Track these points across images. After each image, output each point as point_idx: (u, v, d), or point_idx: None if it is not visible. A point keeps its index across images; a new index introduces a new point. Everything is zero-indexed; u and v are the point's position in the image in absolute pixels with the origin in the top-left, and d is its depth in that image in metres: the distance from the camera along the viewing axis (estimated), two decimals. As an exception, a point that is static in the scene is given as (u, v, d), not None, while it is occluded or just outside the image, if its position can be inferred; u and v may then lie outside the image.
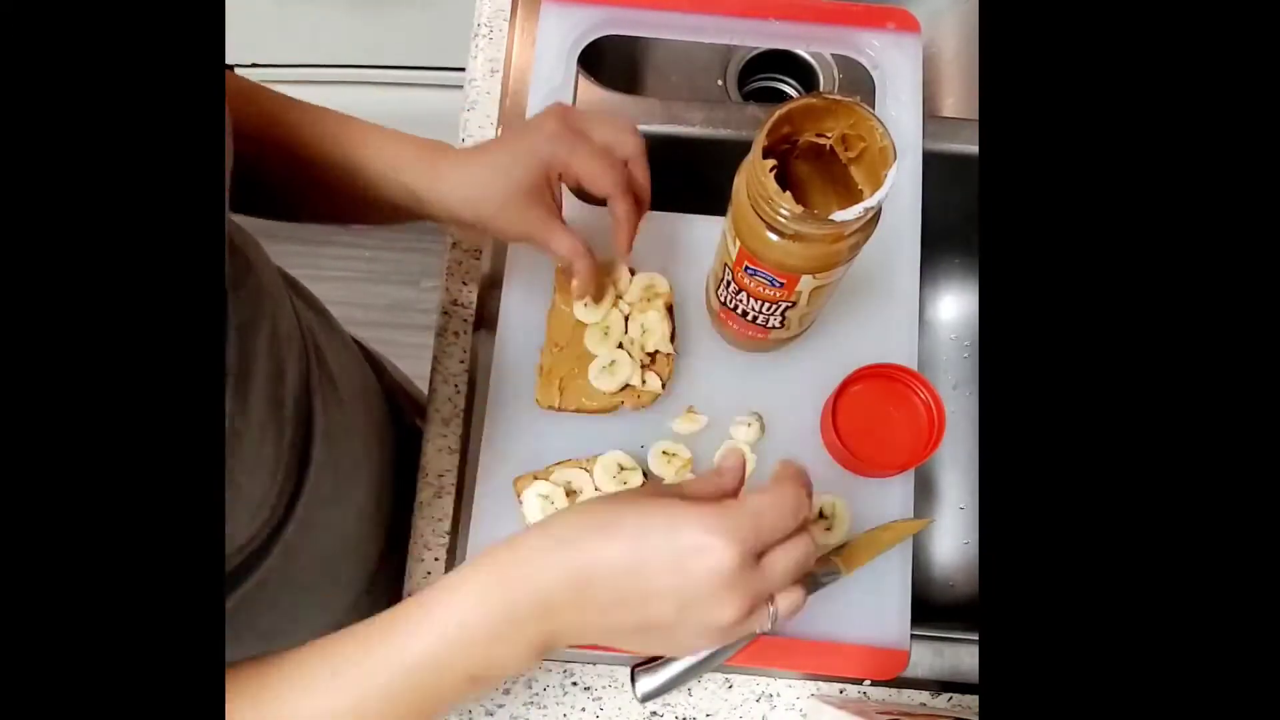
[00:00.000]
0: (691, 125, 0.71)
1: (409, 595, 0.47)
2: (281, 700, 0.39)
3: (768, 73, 0.90)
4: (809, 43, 0.73)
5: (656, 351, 0.62)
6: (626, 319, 0.62)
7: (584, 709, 0.59)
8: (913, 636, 0.60)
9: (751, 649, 0.58)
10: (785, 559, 0.40)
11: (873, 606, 0.60)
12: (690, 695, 0.60)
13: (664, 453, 0.61)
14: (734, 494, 0.43)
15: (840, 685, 0.60)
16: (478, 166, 0.53)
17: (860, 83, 0.75)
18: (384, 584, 0.64)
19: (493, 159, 0.53)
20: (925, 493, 0.81)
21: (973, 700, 0.60)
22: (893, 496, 0.62)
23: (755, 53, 0.89)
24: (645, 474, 0.60)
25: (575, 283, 0.57)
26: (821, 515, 0.61)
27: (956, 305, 0.85)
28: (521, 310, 0.64)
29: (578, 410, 0.61)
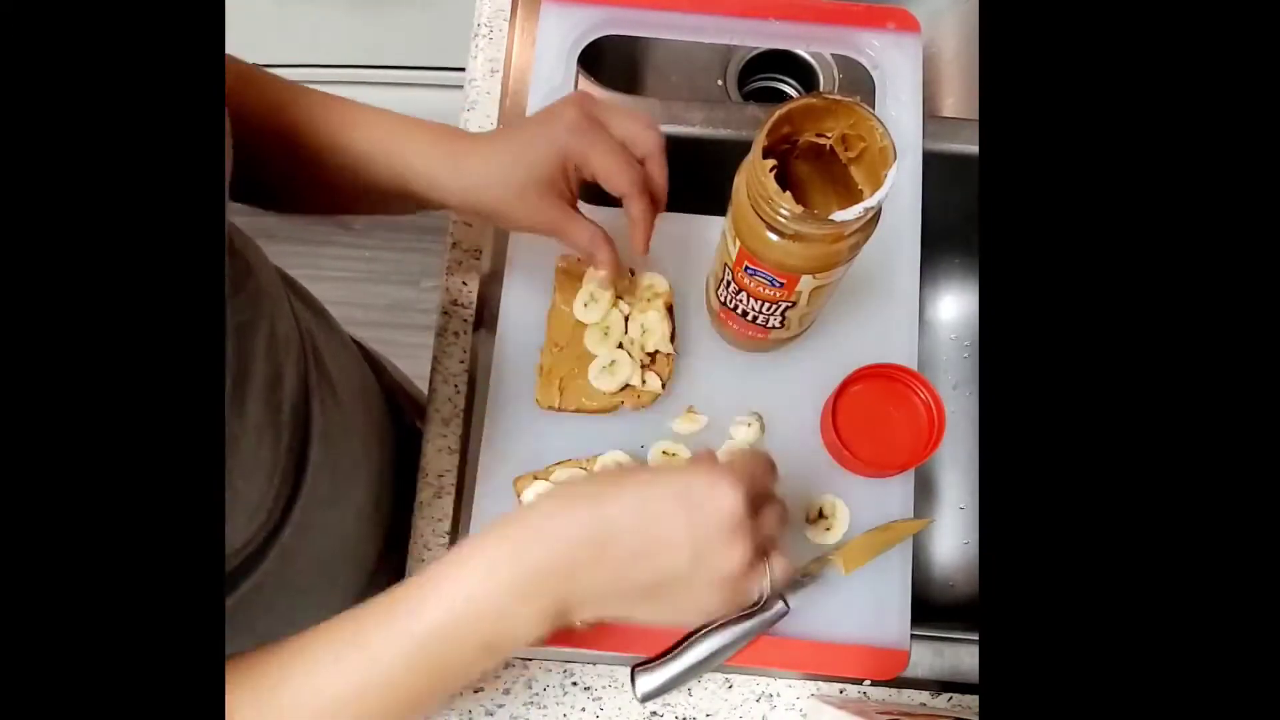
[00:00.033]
0: (691, 125, 0.71)
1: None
2: (282, 686, 0.39)
3: (768, 73, 0.90)
4: (809, 43, 0.73)
5: (656, 351, 0.62)
6: (626, 319, 0.62)
7: (584, 709, 0.59)
8: (913, 636, 0.60)
9: (751, 649, 0.58)
10: (772, 514, 0.43)
11: (873, 606, 0.60)
12: (690, 695, 0.60)
13: (664, 453, 0.61)
14: None
15: (840, 685, 0.60)
16: (494, 154, 0.52)
17: (860, 83, 0.75)
18: (383, 585, 0.64)
19: (509, 147, 0.52)
20: (925, 493, 0.81)
21: (973, 700, 0.60)
22: (893, 496, 0.62)
23: (755, 53, 0.89)
24: (645, 474, 0.60)
25: (602, 273, 0.56)
26: (821, 515, 0.61)
27: (956, 305, 0.85)
28: (521, 310, 0.64)
29: (578, 410, 0.61)
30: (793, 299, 0.53)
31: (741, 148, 0.49)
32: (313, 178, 0.54)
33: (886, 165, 0.46)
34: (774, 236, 0.48)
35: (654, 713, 0.59)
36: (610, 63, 0.79)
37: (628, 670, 0.59)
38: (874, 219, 0.48)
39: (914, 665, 0.60)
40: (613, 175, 0.51)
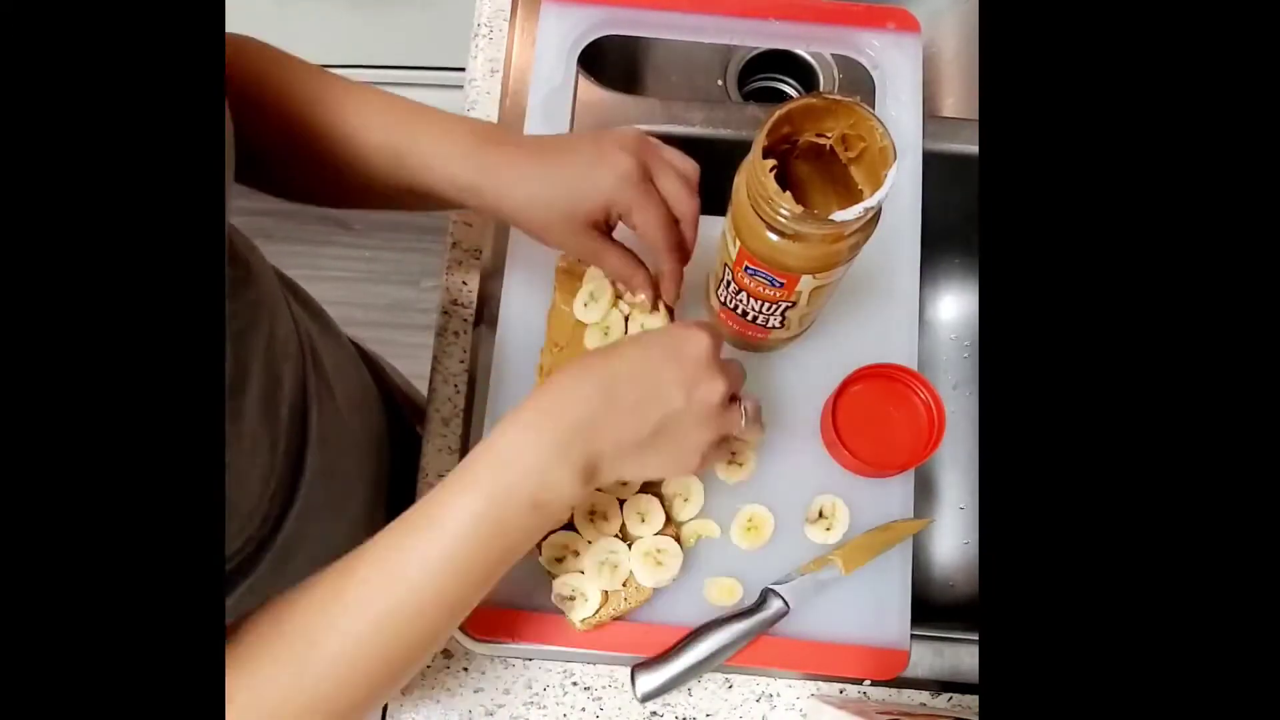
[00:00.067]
0: (691, 125, 0.71)
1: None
2: (361, 576, 0.42)
3: (768, 73, 0.90)
4: (809, 43, 0.73)
5: (656, 351, 0.62)
6: (626, 319, 0.62)
7: (584, 709, 0.59)
8: (913, 636, 0.60)
9: (751, 649, 0.58)
10: (733, 365, 0.50)
11: (873, 606, 0.60)
12: (690, 695, 0.60)
13: (664, 453, 0.61)
14: None
15: (840, 685, 0.60)
16: (540, 176, 0.52)
17: (860, 83, 0.75)
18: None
19: (559, 176, 0.52)
20: (925, 493, 0.81)
21: (973, 700, 0.60)
22: (893, 496, 0.62)
23: (755, 53, 0.89)
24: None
25: (640, 297, 0.58)
26: (821, 515, 0.61)
27: (956, 305, 0.85)
28: (521, 310, 0.64)
29: (578, 410, 0.61)
30: (793, 299, 0.53)
31: (741, 148, 0.49)
32: (340, 173, 0.53)
33: (886, 165, 0.46)
34: (774, 236, 0.48)
35: (654, 713, 0.59)
36: (610, 63, 0.79)
37: (628, 670, 0.59)
38: (874, 219, 0.48)
39: (914, 665, 0.60)
40: (652, 234, 0.53)
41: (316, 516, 0.53)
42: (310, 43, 1.27)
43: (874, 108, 0.62)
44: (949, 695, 0.61)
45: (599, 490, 0.59)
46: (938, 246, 0.76)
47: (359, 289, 1.60)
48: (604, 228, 0.54)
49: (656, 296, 0.59)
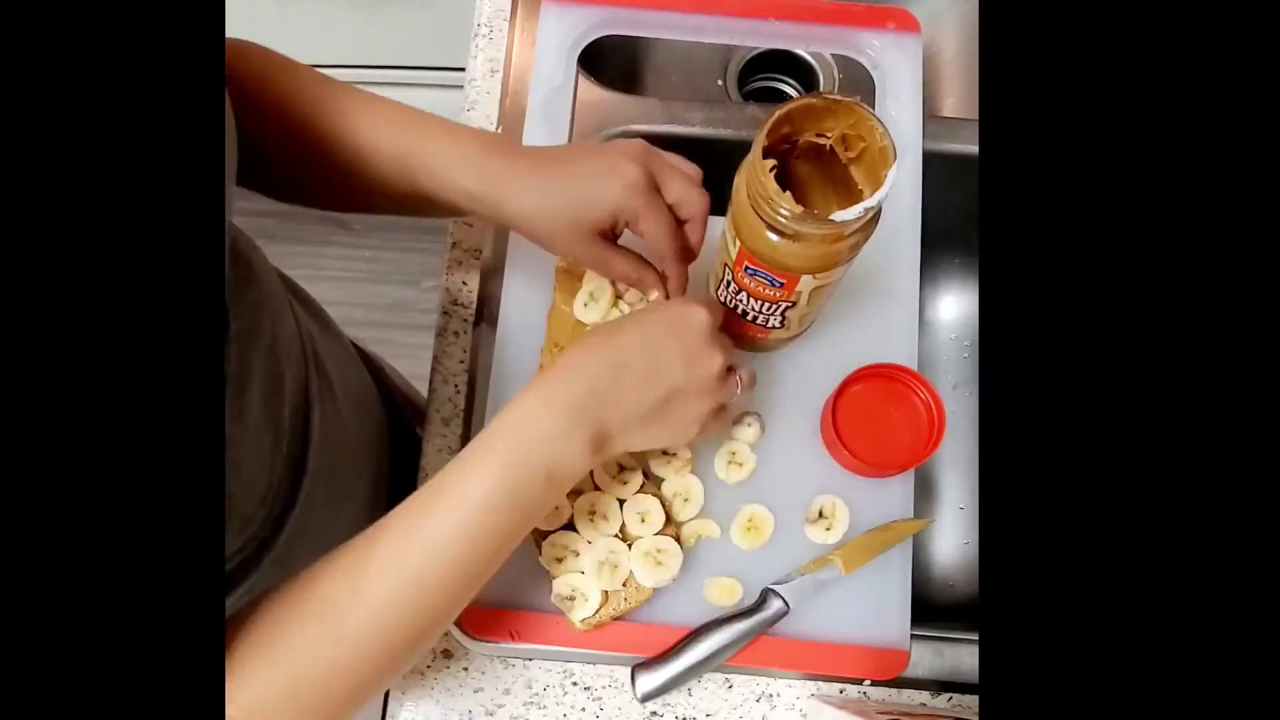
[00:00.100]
0: (691, 125, 0.71)
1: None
2: (388, 538, 0.44)
3: (768, 73, 0.90)
4: (809, 43, 0.73)
5: (656, 351, 0.62)
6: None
7: (584, 709, 0.59)
8: (913, 636, 0.60)
9: (751, 649, 0.58)
10: (727, 339, 0.52)
11: (873, 606, 0.60)
12: (690, 695, 0.60)
13: (664, 452, 0.61)
14: None
15: (840, 685, 0.60)
16: (545, 185, 0.52)
17: (860, 83, 0.75)
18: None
19: (564, 186, 0.52)
20: (925, 493, 0.81)
21: (973, 700, 0.60)
22: (893, 496, 0.62)
23: (755, 53, 0.89)
24: (645, 474, 0.60)
25: (654, 294, 0.58)
26: (821, 515, 0.61)
27: (956, 305, 0.85)
28: (521, 310, 0.64)
29: (578, 410, 0.61)
30: (793, 299, 0.53)
31: (741, 148, 0.49)
32: (347, 180, 0.54)
33: (886, 165, 0.46)
34: (774, 236, 0.48)
35: (654, 713, 0.59)
36: (610, 63, 0.79)
37: (628, 670, 0.59)
38: (874, 219, 0.48)
39: (914, 665, 0.60)
40: (659, 241, 0.53)
41: (318, 516, 0.53)
42: (310, 43, 1.27)
43: (874, 108, 0.62)
44: (949, 695, 0.61)
45: (599, 490, 0.59)
46: (938, 246, 0.76)
47: (359, 289, 1.60)
48: (610, 236, 0.54)
49: (666, 296, 0.59)
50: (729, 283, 0.55)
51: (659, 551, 0.58)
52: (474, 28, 0.73)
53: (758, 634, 0.58)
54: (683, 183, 0.53)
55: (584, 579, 0.57)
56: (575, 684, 0.60)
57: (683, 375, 0.48)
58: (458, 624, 0.59)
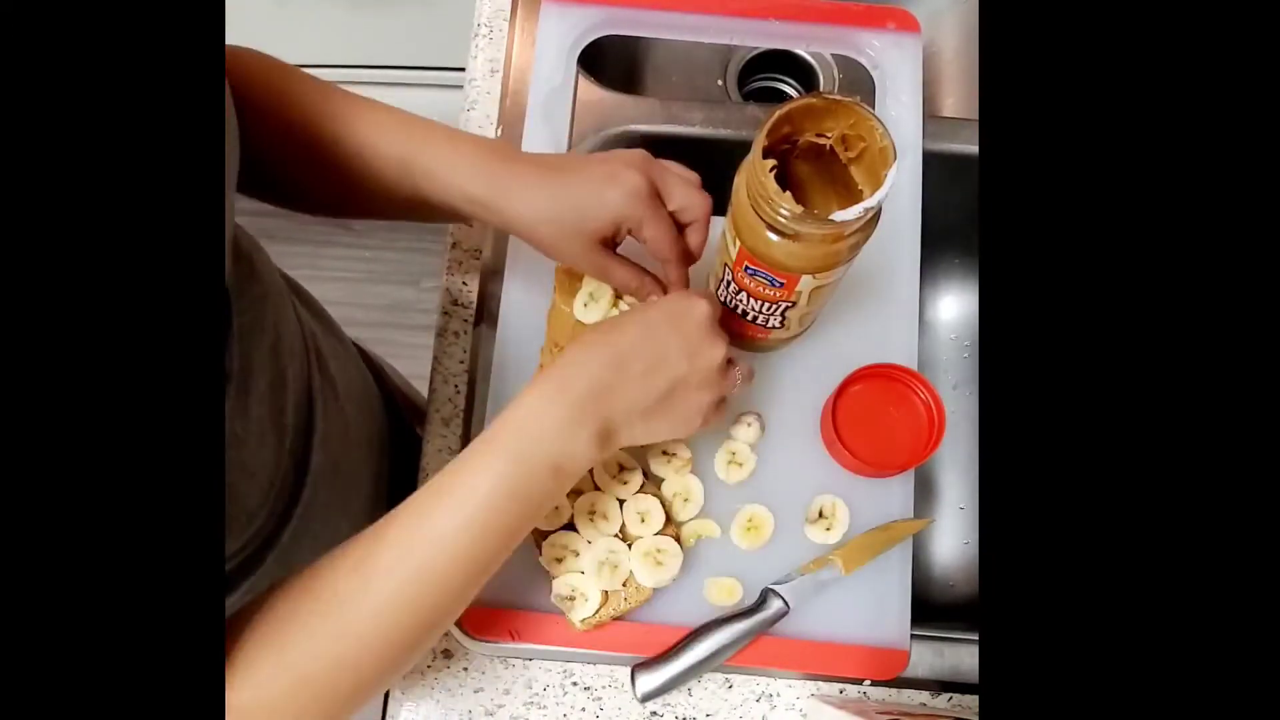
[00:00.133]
0: (691, 125, 0.71)
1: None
2: (393, 531, 0.44)
3: (768, 73, 0.90)
4: (809, 43, 0.73)
5: (656, 351, 0.62)
6: (626, 319, 0.62)
7: (584, 709, 0.59)
8: (913, 636, 0.60)
9: (751, 649, 0.58)
10: (724, 332, 0.52)
11: (873, 606, 0.60)
12: (690, 695, 0.60)
13: (664, 452, 0.61)
14: None
15: (840, 685, 0.60)
16: (553, 190, 0.52)
17: (860, 83, 0.75)
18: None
19: (570, 192, 0.52)
20: (925, 493, 0.81)
21: (973, 700, 0.60)
22: (893, 496, 0.62)
23: (755, 53, 0.89)
24: (645, 474, 0.60)
25: (653, 298, 0.58)
26: (821, 515, 0.61)
27: (956, 305, 0.85)
28: (521, 310, 0.64)
29: (578, 410, 0.61)
30: (793, 299, 0.53)
31: (741, 148, 0.49)
32: (352, 187, 0.54)
33: (886, 165, 0.46)
34: (774, 236, 0.48)
35: (654, 713, 0.59)
36: (610, 63, 0.79)
37: (628, 670, 0.59)
38: (874, 219, 0.48)
39: (914, 665, 0.60)
40: (661, 247, 0.54)
41: (321, 513, 0.53)
42: (310, 43, 1.27)
43: (874, 108, 0.62)
44: (949, 695, 0.61)
45: (599, 490, 0.59)
46: (938, 246, 0.76)
47: (359, 289, 1.60)
48: (611, 244, 0.55)
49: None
50: (729, 283, 0.55)
51: (659, 551, 0.58)
52: (474, 28, 0.73)
53: (758, 634, 0.58)
54: (684, 188, 0.53)
55: (584, 579, 0.57)
56: (575, 684, 0.60)
57: (685, 366, 0.49)
58: (458, 624, 0.59)
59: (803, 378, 0.64)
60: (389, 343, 0.92)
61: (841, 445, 0.59)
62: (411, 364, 0.88)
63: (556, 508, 0.58)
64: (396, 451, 0.70)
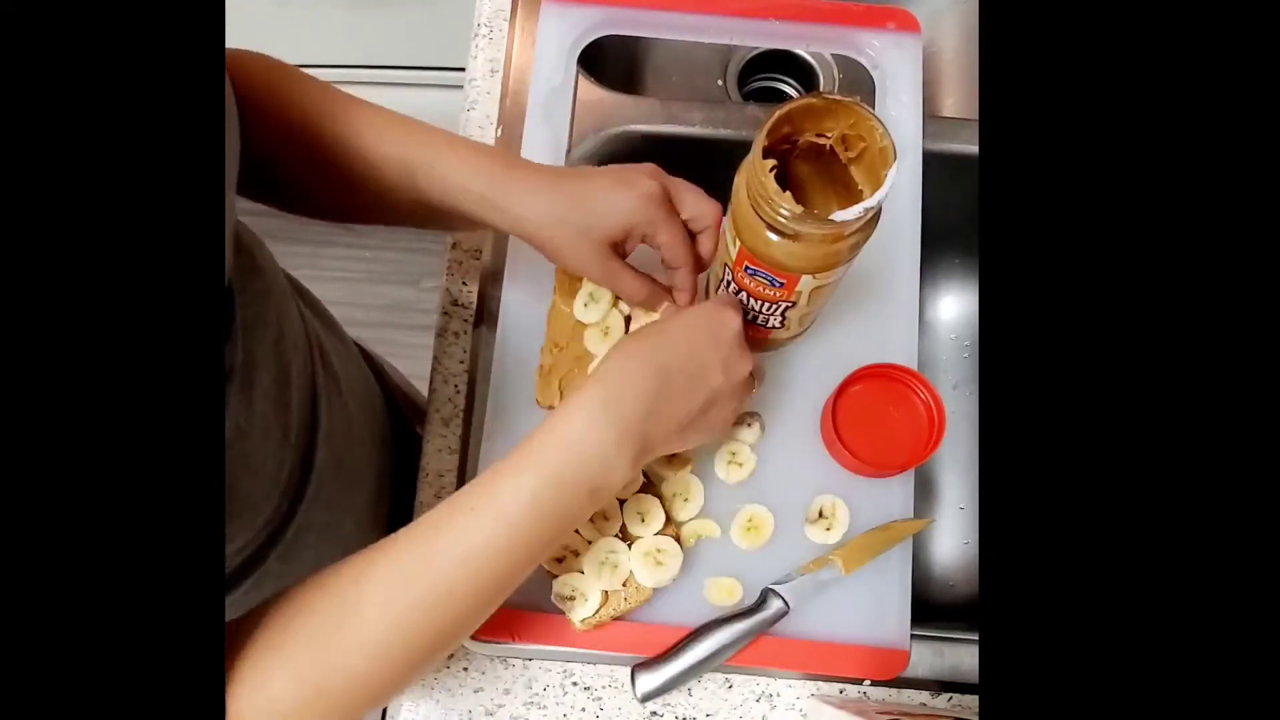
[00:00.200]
0: (691, 125, 0.71)
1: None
2: (420, 543, 0.44)
3: (768, 73, 0.90)
4: (809, 43, 0.73)
5: (656, 351, 0.62)
6: (627, 319, 0.62)
7: (584, 709, 0.59)
8: (913, 636, 0.60)
9: (751, 649, 0.58)
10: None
11: (873, 606, 0.60)
12: (690, 695, 0.60)
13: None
14: None
15: (840, 685, 0.60)
16: (559, 193, 0.52)
17: (860, 83, 0.75)
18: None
19: (577, 194, 0.52)
20: (925, 493, 0.81)
21: (973, 700, 0.60)
22: (893, 496, 0.62)
23: (755, 53, 0.89)
24: (646, 475, 0.60)
25: (663, 307, 0.58)
26: (821, 515, 0.61)
27: (956, 305, 0.85)
28: (521, 310, 0.64)
29: (578, 410, 0.61)
30: (793, 299, 0.53)
31: (741, 148, 0.49)
32: (356, 192, 0.53)
33: (886, 165, 0.46)
34: (774, 236, 0.48)
35: (654, 713, 0.59)
36: (610, 63, 0.79)
37: (628, 670, 0.59)
38: (874, 219, 0.48)
39: (914, 665, 0.60)
40: (675, 252, 0.54)
41: (325, 509, 0.53)
42: (310, 43, 1.27)
43: (874, 108, 0.62)
44: (949, 695, 0.61)
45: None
46: (938, 246, 0.76)
47: (359, 289, 1.61)
48: (621, 251, 0.54)
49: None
50: (729, 283, 0.55)
51: (659, 551, 0.58)
52: (474, 28, 0.73)
53: (758, 634, 0.58)
54: (695, 196, 0.54)
55: (584, 579, 0.57)
56: (575, 684, 0.60)
57: (721, 380, 0.49)
58: (458, 624, 0.59)
59: (803, 378, 0.64)
60: (389, 343, 0.92)
61: (841, 445, 0.59)
62: (411, 364, 0.88)
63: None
64: (397, 451, 0.70)
